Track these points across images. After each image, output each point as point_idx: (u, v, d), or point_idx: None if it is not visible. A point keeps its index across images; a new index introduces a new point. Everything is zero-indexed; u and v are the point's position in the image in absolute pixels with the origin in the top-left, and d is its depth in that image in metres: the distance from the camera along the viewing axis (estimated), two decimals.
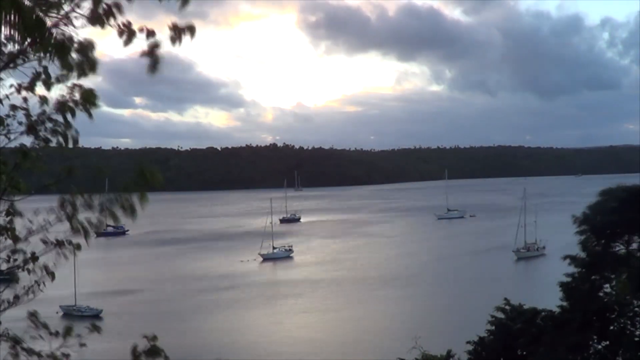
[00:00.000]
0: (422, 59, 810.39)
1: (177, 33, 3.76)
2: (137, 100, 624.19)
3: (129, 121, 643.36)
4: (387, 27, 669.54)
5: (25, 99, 4.93)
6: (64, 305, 64.13)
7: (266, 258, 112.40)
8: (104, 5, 3.61)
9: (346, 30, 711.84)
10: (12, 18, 3.80)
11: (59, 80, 4.46)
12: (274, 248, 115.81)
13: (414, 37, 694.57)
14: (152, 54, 3.74)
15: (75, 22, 3.80)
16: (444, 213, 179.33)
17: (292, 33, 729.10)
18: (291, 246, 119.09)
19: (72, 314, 63.62)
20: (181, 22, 3.80)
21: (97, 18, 3.63)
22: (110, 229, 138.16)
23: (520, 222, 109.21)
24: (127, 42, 3.71)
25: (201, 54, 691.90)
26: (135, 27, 3.73)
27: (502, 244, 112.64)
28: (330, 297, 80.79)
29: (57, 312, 61.83)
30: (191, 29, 3.79)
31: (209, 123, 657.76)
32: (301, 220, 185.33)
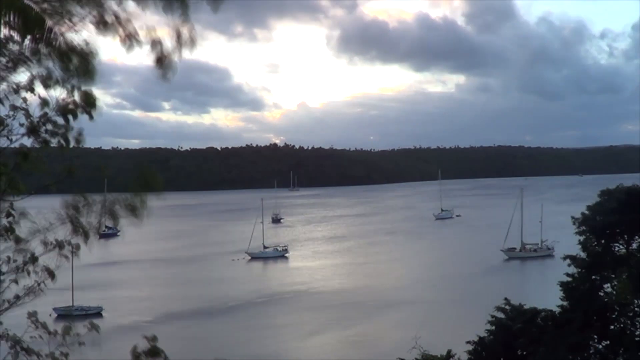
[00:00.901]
0: (436, 69, 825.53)
1: (180, 39, 3.76)
2: (166, 104, 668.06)
3: (147, 123, 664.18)
4: (408, 42, 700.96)
5: (25, 100, 4.94)
6: (58, 307, 62.64)
7: (255, 257, 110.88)
8: (113, 16, 3.62)
9: (370, 45, 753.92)
10: (13, 18, 3.80)
11: (59, 82, 4.47)
12: (264, 247, 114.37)
13: (431, 50, 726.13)
14: (161, 62, 3.76)
15: (82, 29, 3.82)
16: (439, 213, 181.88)
17: (321, 46, 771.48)
18: (286, 246, 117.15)
19: (70, 314, 63.01)
20: (184, 29, 3.81)
21: (105, 26, 3.64)
22: (103, 230, 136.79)
23: (512, 221, 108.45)
24: (130, 49, 3.73)
25: (240, 65, 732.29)
26: (141, 34, 3.74)
27: (498, 244, 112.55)
28: (328, 297, 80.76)
29: (50, 315, 58.63)
30: (192, 35, 3.80)
31: (226, 125, 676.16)
32: (281, 221, 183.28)
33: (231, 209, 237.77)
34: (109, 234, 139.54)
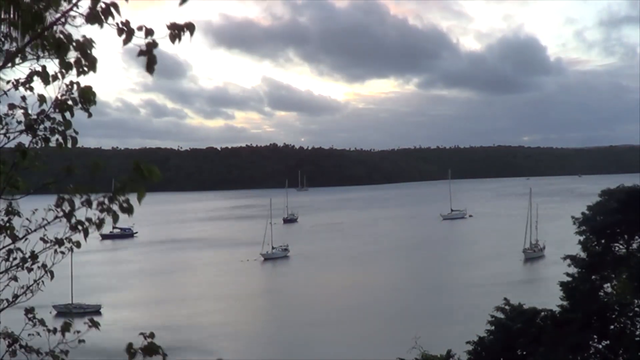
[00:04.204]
0: (462, 90, 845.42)
1: (177, 31, 3.74)
2: (229, 111, 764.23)
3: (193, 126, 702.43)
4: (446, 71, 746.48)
5: (23, 97, 4.93)
6: (57, 304, 63.02)
7: (267, 258, 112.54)
8: (102, 4, 3.60)
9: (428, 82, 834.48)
10: (11, 15, 3.80)
11: (56, 77, 4.46)
12: (272, 248, 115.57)
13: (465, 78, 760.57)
14: (149, 52, 3.73)
15: (74, 20, 3.81)
16: (448, 213, 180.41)
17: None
18: (287, 245, 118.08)
19: (69, 312, 63.27)
20: (180, 20, 3.79)
21: (95, 17, 3.62)
22: (117, 231, 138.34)
23: (527, 223, 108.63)
24: (127, 41, 3.71)
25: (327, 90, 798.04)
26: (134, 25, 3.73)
27: (509, 244, 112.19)
28: (330, 296, 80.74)
29: (50, 312, 58.84)
30: (190, 28, 3.78)
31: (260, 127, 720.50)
32: (298, 220, 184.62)
33: (237, 209, 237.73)
34: (119, 235, 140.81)
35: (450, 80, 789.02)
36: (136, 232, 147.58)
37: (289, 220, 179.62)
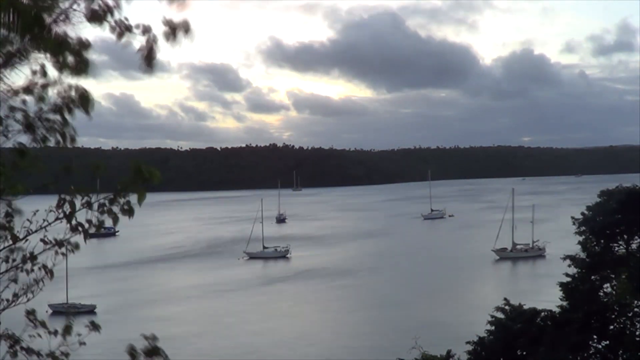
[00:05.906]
0: (470, 98, 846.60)
1: (172, 30, 3.73)
2: (254, 116, 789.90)
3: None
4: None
5: (23, 101, 4.91)
6: (53, 303, 62.94)
7: (253, 257, 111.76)
8: (101, 3, 3.59)
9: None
10: (10, 16, 3.78)
11: (56, 82, 4.45)
12: (264, 247, 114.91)
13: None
14: (147, 50, 3.72)
15: (72, 20, 3.79)
16: (428, 213, 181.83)
17: None
18: (287, 246, 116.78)
19: (65, 311, 63.17)
20: (176, 18, 3.78)
21: (95, 16, 3.61)
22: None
23: (503, 221, 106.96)
24: (120, 37, 3.69)
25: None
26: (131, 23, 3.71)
27: (496, 244, 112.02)
28: (329, 297, 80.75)
29: (46, 311, 58.19)
30: (186, 26, 3.77)
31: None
32: (286, 221, 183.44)
33: (235, 209, 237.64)
34: (101, 234, 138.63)
35: (463, 91, 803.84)
36: (117, 231, 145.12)
37: (280, 220, 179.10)
